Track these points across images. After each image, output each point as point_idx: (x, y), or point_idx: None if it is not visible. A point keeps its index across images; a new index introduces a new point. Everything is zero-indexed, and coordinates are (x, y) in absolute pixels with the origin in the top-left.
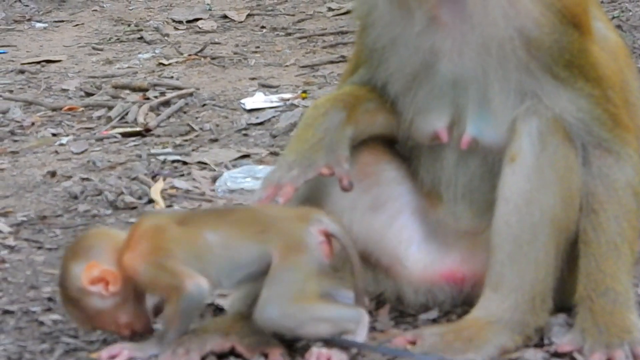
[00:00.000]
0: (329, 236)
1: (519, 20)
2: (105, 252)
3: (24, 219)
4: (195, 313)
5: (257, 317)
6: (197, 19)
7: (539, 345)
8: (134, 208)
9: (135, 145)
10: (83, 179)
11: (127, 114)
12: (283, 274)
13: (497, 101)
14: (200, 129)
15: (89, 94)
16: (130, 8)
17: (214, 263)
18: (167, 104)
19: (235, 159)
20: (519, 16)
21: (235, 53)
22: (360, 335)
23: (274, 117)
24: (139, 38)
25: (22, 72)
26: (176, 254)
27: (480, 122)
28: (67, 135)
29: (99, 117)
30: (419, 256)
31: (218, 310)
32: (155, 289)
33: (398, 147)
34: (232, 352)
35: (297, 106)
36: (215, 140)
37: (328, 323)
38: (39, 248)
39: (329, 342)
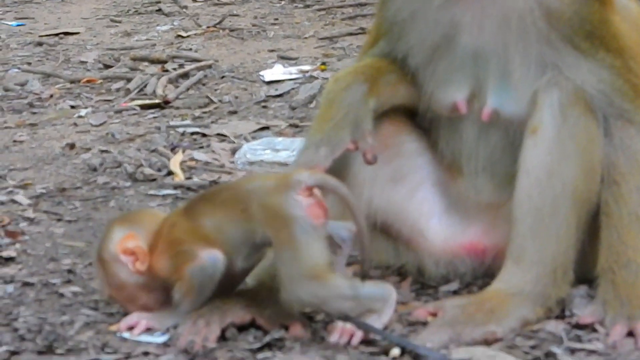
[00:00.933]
0: (312, 191)
1: None
2: (148, 233)
3: (43, 191)
4: (210, 285)
5: (284, 299)
6: None
7: (561, 317)
8: (154, 180)
9: (154, 117)
10: (102, 151)
11: (145, 86)
12: (284, 254)
13: (518, 73)
14: (220, 101)
15: (107, 66)
16: None
17: (218, 246)
18: (185, 76)
19: (255, 131)
20: None
21: (254, 25)
22: (386, 314)
23: (293, 89)
24: (157, 10)
25: (40, 44)
26: (188, 241)
27: (502, 94)
28: (86, 108)
29: (118, 89)
30: (440, 228)
31: None
32: (177, 276)
33: (419, 120)
34: (253, 324)
35: (316, 78)
36: (234, 112)
37: (353, 301)
38: (59, 220)
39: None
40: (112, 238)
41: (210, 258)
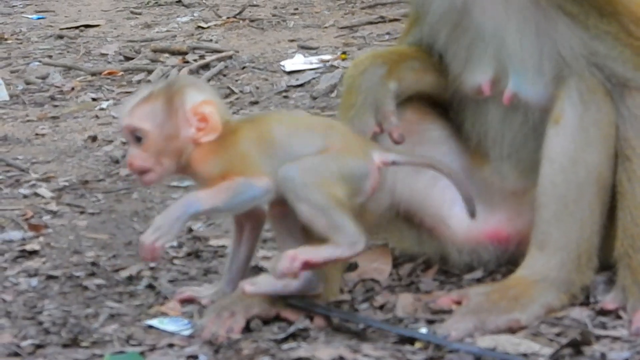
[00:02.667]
0: (386, 166)
1: None
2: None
3: (66, 184)
4: (242, 207)
5: (291, 198)
6: None
7: (585, 303)
8: None
9: None
10: (124, 143)
11: (166, 77)
12: (331, 158)
13: (523, 50)
14: (241, 91)
15: (128, 58)
16: None
17: (278, 156)
18: (206, 67)
19: None
20: None
21: (273, 15)
22: (343, 253)
23: (313, 78)
24: (177, 1)
25: (60, 37)
26: (250, 152)
27: (519, 76)
28: (107, 100)
29: (139, 81)
30: (463, 216)
31: (260, 270)
32: (220, 177)
33: (444, 106)
34: (277, 317)
35: (336, 67)
36: (255, 103)
37: (325, 219)
38: (82, 213)
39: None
40: (190, 93)
41: (264, 184)
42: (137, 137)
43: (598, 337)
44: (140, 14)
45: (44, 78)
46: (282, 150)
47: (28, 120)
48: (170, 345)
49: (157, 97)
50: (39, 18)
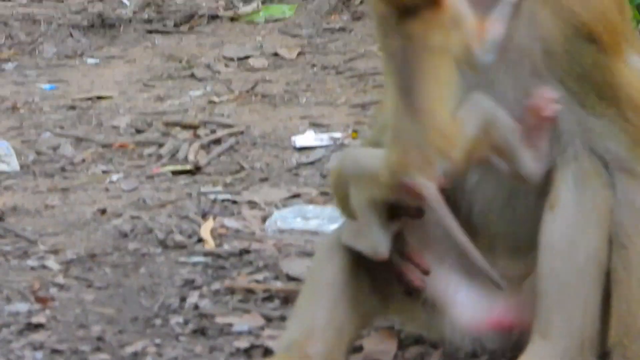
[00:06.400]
0: None
1: (538, 31)
2: None
3: (74, 256)
4: None
5: None
6: (248, 57)
7: None
8: (184, 247)
9: (185, 183)
10: (133, 217)
11: (177, 151)
12: None
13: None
14: (251, 167)
15: (139, 131)
16: (182, 45)
17: None
18: (217, 142)
19: (286, 199)
20: (538, 27)
21: (286, 91)
22: None
23: (324, 156)
24: (190, 75)
25: (73, 107)
26: None
27: None
28: (118, 173)
29: (150, 155)
30: (466, 303)
31: (266, 350)
32: None
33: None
34: None
35: (347, 146)
36: (265, 179)
37: None
38: (89, 286)
39: None
40: None
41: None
42: None
43: None
44: (153, 86)
45: (54, 149)
46: None
47: (38, 192)
48: None
49: None
50: (51, 88)
